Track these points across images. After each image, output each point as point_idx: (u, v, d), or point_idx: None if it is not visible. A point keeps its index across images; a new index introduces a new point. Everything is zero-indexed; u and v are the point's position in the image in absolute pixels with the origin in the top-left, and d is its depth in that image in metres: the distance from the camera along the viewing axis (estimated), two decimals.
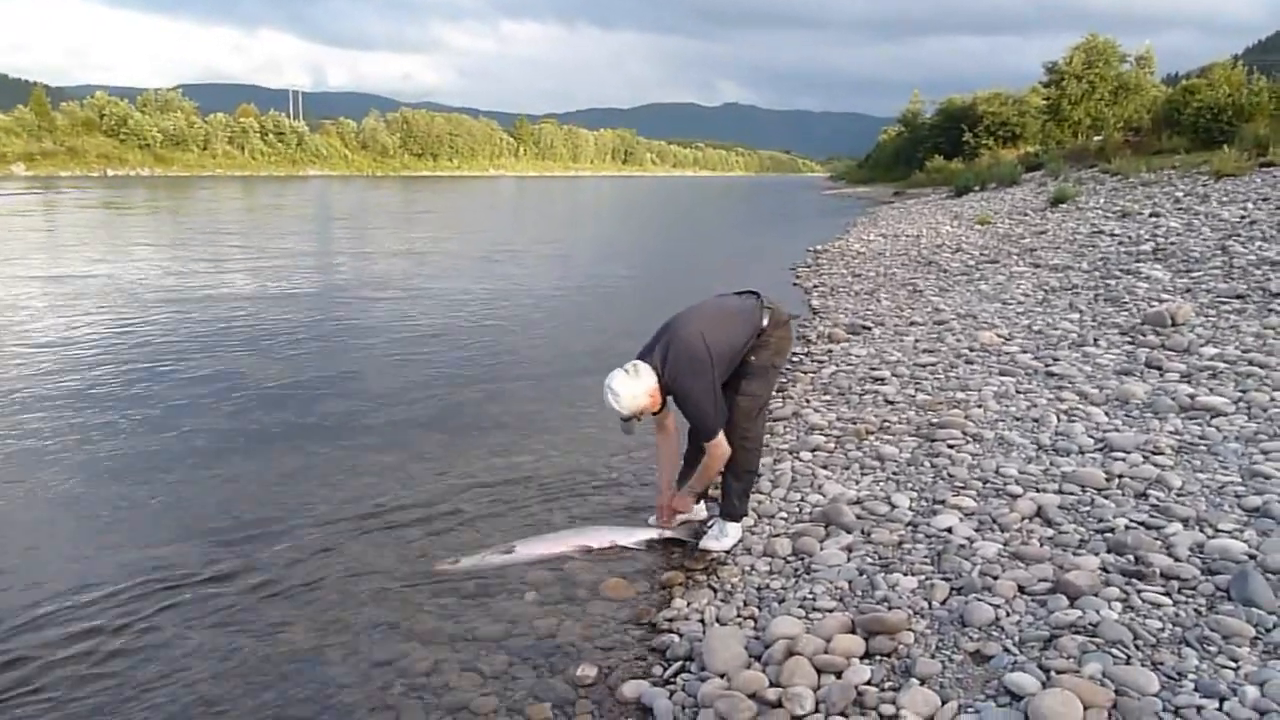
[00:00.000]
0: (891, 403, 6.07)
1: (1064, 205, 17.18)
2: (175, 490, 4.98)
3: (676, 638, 3.38)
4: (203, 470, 5.30)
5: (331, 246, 20.02)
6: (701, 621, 3.47)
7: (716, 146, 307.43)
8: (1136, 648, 2.77)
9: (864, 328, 8.97)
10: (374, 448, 5.74)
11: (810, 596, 3.49)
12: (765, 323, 4.21)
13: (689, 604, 3.63)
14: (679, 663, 3.22)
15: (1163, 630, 2.86)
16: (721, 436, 3.98)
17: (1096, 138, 35.39)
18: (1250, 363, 5.81)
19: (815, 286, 12.64)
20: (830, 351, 8.01)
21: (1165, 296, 8.16)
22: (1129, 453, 4.51)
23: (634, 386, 3.87)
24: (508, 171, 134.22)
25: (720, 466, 4.10)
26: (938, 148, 49.39)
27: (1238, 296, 7.73)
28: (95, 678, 3.20)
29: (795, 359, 7.97)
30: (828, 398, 6.46)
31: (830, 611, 3.31)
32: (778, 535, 4.16)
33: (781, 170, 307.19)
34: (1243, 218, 11.34)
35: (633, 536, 4.31)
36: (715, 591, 3.74)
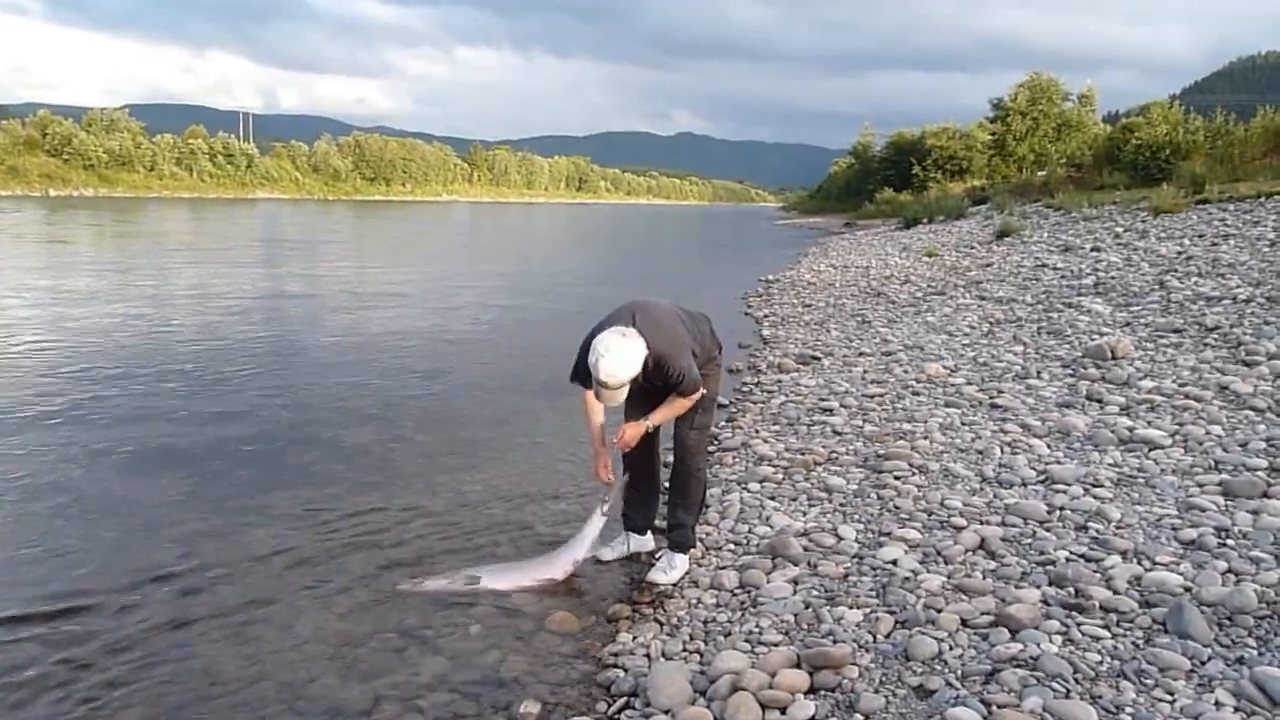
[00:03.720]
0: (839, 434, 6.11)
1: (1009, 239, 17.58)
2: (98, 524, 4.83)
3: (622, 673, 3.34)
4: (136, 497, 5.15)
5: (278, 271, 19.74)
6: (647, 656, 3.44)
7: (671, 175, 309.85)
8: (1076, 681, 2.80)
9: (813, 358, 9.04)
10: (316, 478, 5.62)
11: (756, 630, 3.47)
12: (717, 351, 4.23)
13: (634, 638, 3.60)
14: (624, 699, 3.17)
15: (1101, 663, 2.90)
16: (697, 379, 3.88)
17: (1040, 173, 36.33)
18: (1186, 396, 5.96)
19: (766, 316, 12.74)
20: (780, 381, 8.06)
21: (1105, 330, 8.35)
22: (1070, 485, 4.59)
23: (632, 349, 3.59)
24: (461, 197, 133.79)
25: (689, 406, 3.96)
26: (887, 180, 50.32)
27: (1175, 331, 7.94)
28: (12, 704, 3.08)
29: (745, 389, 8.01)
30: (776, 428, 6.49)
31: (776, 645, 3.30)
32: (725, 567, 4.14)
33: (735, 200, 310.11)
34: (1180, 253, 11.68)
35: (584, 546, 4.25)
36: (661, 625, 3.71)
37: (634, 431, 3.95)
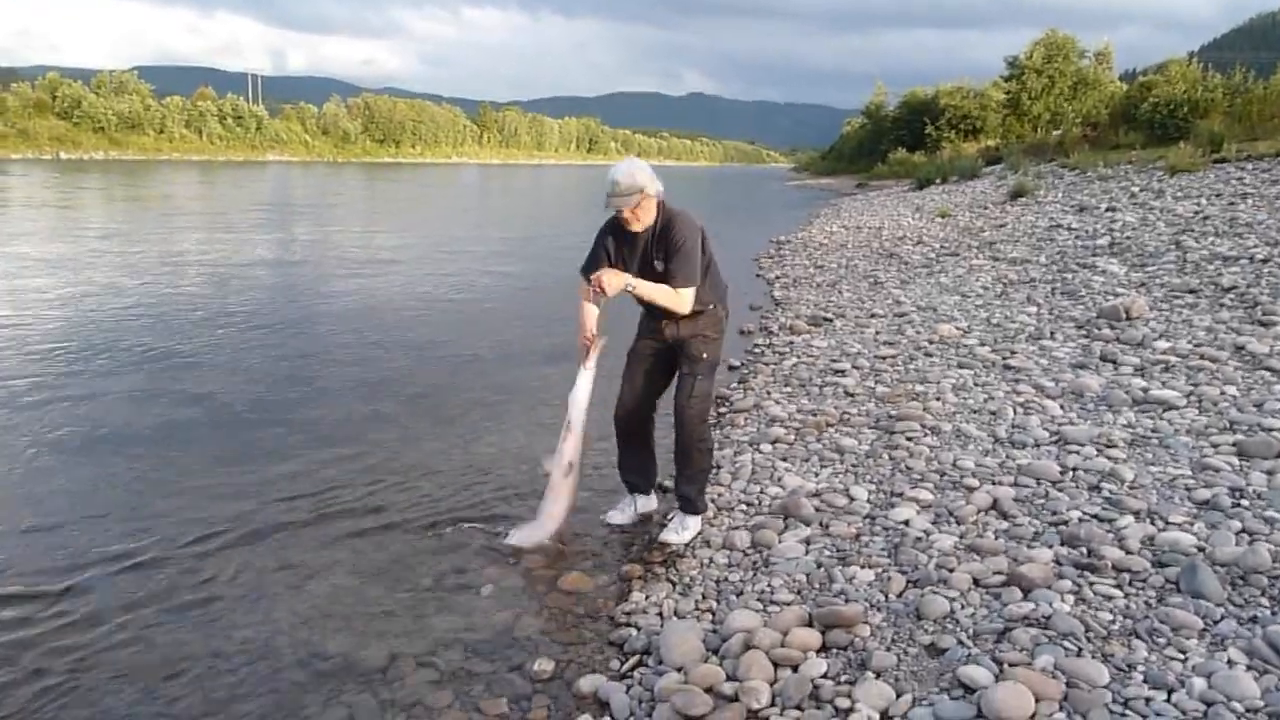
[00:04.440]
0: (851, 395, 6.10)
1: (1023, 199, 17.40)
2: (114, 478, 4.88)
3: (634, 631, 3.36)
4: (148, 457, 5.20)
5: (279, 236, 19.72)
6: (660, 615, 3.46)
7: (681, 136, 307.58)
8: (1088, 640, 2.80)
9: (825, 319, 9.01)
10: (329, 439, 5.65)
11: (768, 589, 3.49)
12: (724, 314, 4.20)
13: (647, 597, 3.62)
14: (636, 656, 3.20)
15: (1113, 622, 2.90)
16: (691, 293, 3.92)
17: (1055, 132, 35.89)
18: (1202, 357, 5.92)
19: (778, 278, 12.68)
20: (792, 343, 8.04)
21: (1120, 291, 8.29)
22: (1083, 446, 4.57)
23: (640, 163, 3.87)
24: (471, 159, 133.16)
25: (669, 304, 3.90)
26: (900, 140, 49.73)
27: (1190, 291, 7.87)
28: (31, 674, 3.12)
29: (757, 350, 8.00)
30: (788, 389, 6.48)
31: (788, 604, 3.31)
32: (737, 528, 4.15)
33: (746, 161, 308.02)
34: (1196, 213, 11.55)
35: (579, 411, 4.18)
36: (674, 585, 3.73)
37: (613, 278, 3.83)
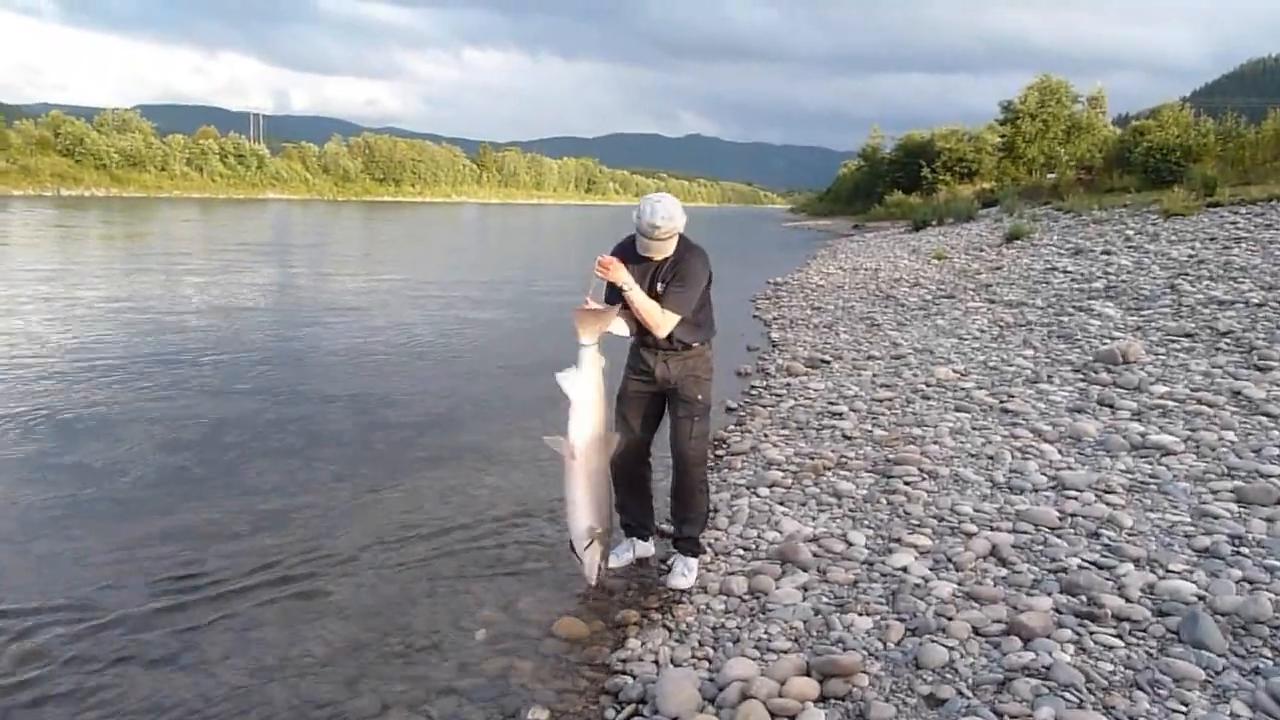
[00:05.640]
0: (849, 438, 6.09)
1: (1019, 241, 17.51)
2: (97, 518, 4.83)
3: (630, 679, 3.32)
4: (130, 501, 5.16)
5: (271, 276, 19.78)
6: (656, 663, 3.42)
7: (680, 177, 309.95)
8: (1089, 691, 2.77)
9: (823, 361, 9.01)
10: (316, 482, 5.61)
11: (765, 637, 3.45)
12: (709, 353, 4.19)
13: (643, 644, 3.57)
14: (632, 705, 3.15)
15: (1115, 673, 2.87)
16: (675, 320, 3.92)
17: (1050, 175, 36.20)
18: (1199, 402, 5.91)
19: (775, 319, 12.71)
20: (789, 385, 8.03)
21: (1117, 334, 8.31)
22: (1081, 491, 4.56)
23: (676, 203, 3.89)
24: (470, 198, 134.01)
25: (652, 319, 3.87)
26: (896, 182, 50.22)
27: (1187, 335, 7.89)
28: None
29: (754, 392, 7.99)
30: (786, 432, 6.46)
31: (785, 653, 3.28)
32: (734, 573, 4.12)
33: (743, 202, 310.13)
34: (1191, 257, 11.62)
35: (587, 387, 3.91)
36: (670, 631, 3.68)
37: (618, 269, 3.84)
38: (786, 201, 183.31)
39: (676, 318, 3.93)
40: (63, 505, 5.07)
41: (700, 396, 4.10)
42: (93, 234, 29.66)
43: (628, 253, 3.99)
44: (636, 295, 3.87)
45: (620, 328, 4.02)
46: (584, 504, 3.91)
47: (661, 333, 3.94)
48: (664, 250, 3.91)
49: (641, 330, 4.03)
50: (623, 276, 3.85)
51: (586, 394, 3.89)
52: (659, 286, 3.93)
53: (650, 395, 4.18)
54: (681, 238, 3.97)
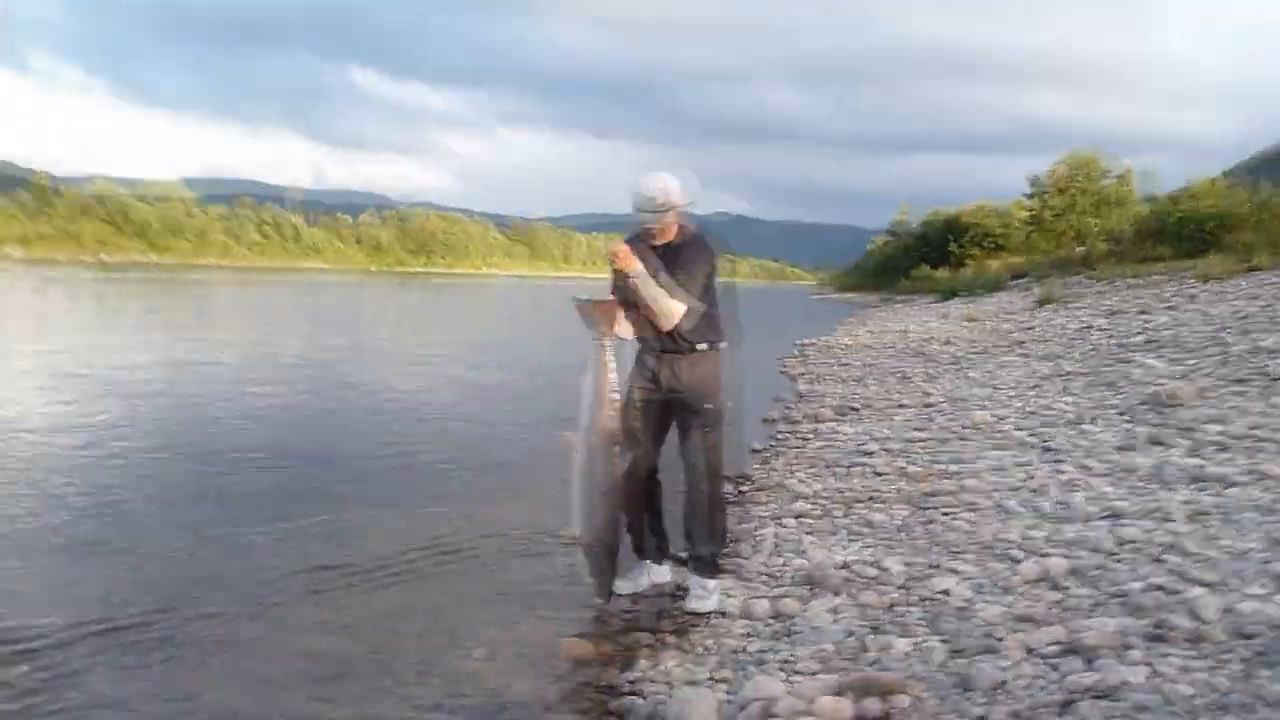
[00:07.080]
0: (881, 474, 5.73)
1: (1051, 305, 17.14)
2: (96, 542, 4.56)
3: (639, 700, 2.96)
4: (124, 524, 4.90)
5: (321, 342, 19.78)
6: (668, 684, 3.05)
7: None
8: (1168, 714, 2.39)
9: (851, 409, 8.66)
10: (312, 497, 5.35)
11: (791, 659, 3.09)
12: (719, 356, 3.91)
13: (655, 665, 3.21)
14: None
15: (1196, 696, 2.49)
16: (683, 309, 3.67)
17: (1080, 248, 35.87)
18: (1259, 438, 5.51)
19: (802, 374, 12.38)
20: (817, 429, 7.69)
21: (1163, 381, 7.91)
22: (1139, 519, 4.16)
23: (671, 178, 3.72)
24: (500, 270, 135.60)
25: (659, 309, 3.65)
26: (924, 257, 49.99)
27: (1238, 381, 7.48)
28: None
29: (781, 437, 7.64)
30: (814, 470, 6.11)
31: (814, 674, 2.91)
32: (757, 598, 3.76)
33: (771, 278, 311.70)
34: (1234, 313, 11.21)
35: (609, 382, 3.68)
36: (685, 652, 3.32)
37: (630, 258, 3.66)
38: (814, 277, 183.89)
39: (684, 306, 3.67)
40: (69, 521, 4.84)
41: (710, 405, 3.80)
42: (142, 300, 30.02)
43: (633, 243, 3.81)
44: (643, 285, 3.64)
45: (625, 329, 3.76)
46: (582, 508, 3.64)
47: (667, 323, 3.68)
48: (664, 229, 3.74)
49: (644, 334, 3.77)
50: (636, 267, 3.61)
51: (587, 391, 3.65)
52: (660, 276, 3.69)
53: (657, 404, 3.87)
54: (682, 224, 3.79)
